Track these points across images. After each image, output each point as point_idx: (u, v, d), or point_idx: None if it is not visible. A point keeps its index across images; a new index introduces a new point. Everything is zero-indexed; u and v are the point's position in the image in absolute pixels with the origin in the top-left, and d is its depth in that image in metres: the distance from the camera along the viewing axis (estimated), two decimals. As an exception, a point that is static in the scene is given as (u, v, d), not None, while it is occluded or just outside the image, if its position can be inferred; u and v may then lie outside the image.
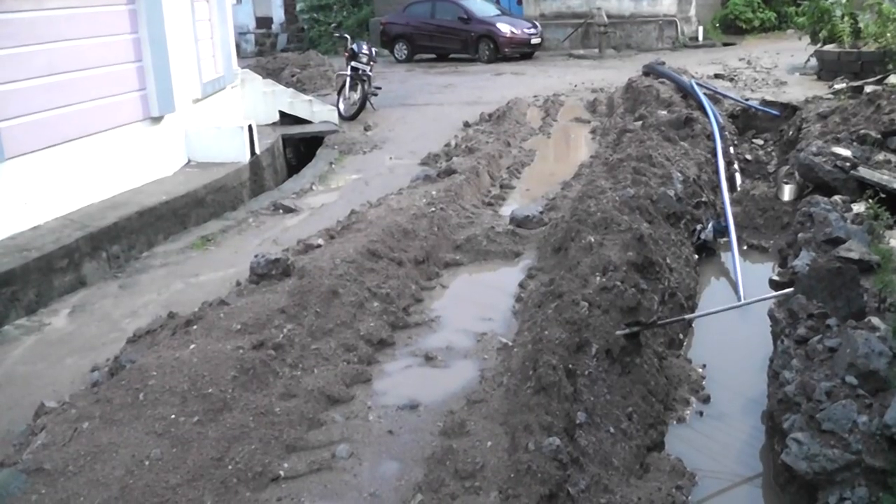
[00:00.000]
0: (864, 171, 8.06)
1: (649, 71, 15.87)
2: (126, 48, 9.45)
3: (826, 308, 5.13)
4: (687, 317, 6.24)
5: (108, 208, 8.50)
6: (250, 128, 11.35)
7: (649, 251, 6.46)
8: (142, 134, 9.72)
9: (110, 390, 4.57)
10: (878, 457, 3.88)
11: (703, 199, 8.94)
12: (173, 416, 4.32)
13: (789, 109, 12.63)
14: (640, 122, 11.70)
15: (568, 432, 4.22)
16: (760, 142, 12.38)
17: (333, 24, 30.95)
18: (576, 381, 4.66)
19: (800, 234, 7.03)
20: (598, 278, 5.82)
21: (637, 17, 26.09)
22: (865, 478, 3.87)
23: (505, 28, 24.72)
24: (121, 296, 7.25)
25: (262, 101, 14.64)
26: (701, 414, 5.44)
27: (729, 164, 10.31)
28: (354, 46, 15.78)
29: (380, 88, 16.48)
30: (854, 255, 5.93)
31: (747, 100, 13.55)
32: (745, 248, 8.37)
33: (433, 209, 8.02)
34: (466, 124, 14.41)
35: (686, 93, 13.41)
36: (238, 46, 17.98)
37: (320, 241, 7.06)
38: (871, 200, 7.27)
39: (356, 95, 15.58)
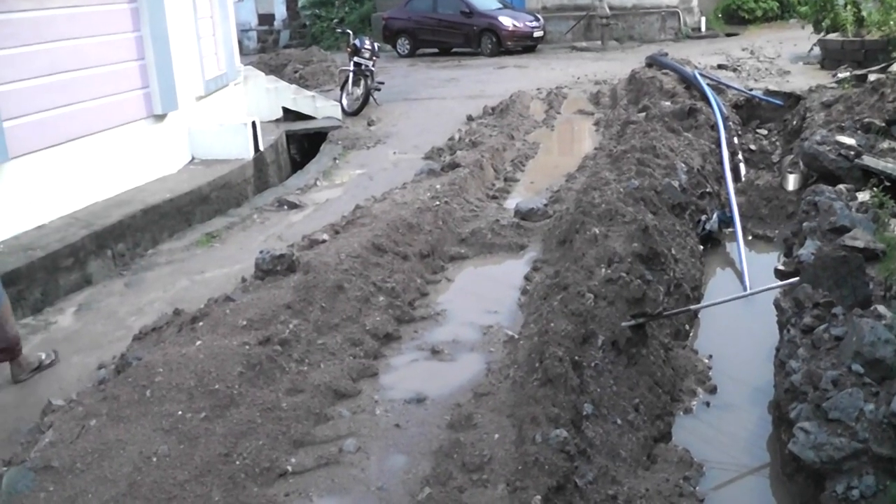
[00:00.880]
0: (868, 160, 8.03)
1: (652, 62, 15.84)
2: (128, 46, 9.45)
3: (832, 297, 5.12)
4: (693, 307, 6.24)
5: (112, 206, 8.51)
6: (254, 124, 11.35)
7: (654, 242, 6.45)
8: (145, 132, 9.73)
9: (117, 388, 4.58)
10: (885, 445, 3.88)
11: (708, 190, 8.93)
12: (180, 413, 4.33)
13: (793, 99, 12.60)
14: (643, 114, 11.67)
15: (575, 424, 4.22)
16: (764, 132, 12.35)
17: (335, 20, 30.92)
18: (582, 373, 4.67)
19: (805, 224, 7.02)
20: (603, 270, 5.82)
21: (639, 9, 26.02)
22: (873, 466, 3.86)
23: (507, 21, 24.67)
24: (126, 294, 7.27)
25: (265, 97, 14.64)
26: (707, 404, 5.44)
27: (733, 154, 10.29)
28: (357, 42, 15.77)
29: (382, 83, 16.47)
30: (859, 244, 5.92)
31: (751, 90, 13.52)
32: (750, 238, 8.37)
33: (438, 203, 8.01)
34: (470, 118, 14.39)
35: (689, 83, 13.38)
36: (240, 43, 17.95)
37: (325, 237, 7.06)
38: (875, 189, 7.26)
39: (359, 91, 15.57)
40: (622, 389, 4.96)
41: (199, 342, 4.98)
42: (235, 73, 13.32)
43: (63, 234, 7.64)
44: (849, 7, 16.20)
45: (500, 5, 25.95)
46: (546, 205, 8.35)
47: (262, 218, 9.39)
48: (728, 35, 24.92)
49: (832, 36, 16.44)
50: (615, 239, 6.37)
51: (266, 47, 30.66)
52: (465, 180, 9.19)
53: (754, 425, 5.27)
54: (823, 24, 16.95)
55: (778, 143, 11.60)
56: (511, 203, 8.96)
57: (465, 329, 5.78)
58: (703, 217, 8.28)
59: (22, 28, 7.81)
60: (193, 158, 10.88)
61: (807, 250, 6.24)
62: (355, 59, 15.55)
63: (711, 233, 8.18)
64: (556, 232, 7.33)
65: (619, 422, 4.70)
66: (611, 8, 25.09)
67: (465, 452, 4.02)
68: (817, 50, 16.69)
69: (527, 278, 6.66)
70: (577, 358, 4.68)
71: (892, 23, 14.75)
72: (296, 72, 19.00)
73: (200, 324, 5.33)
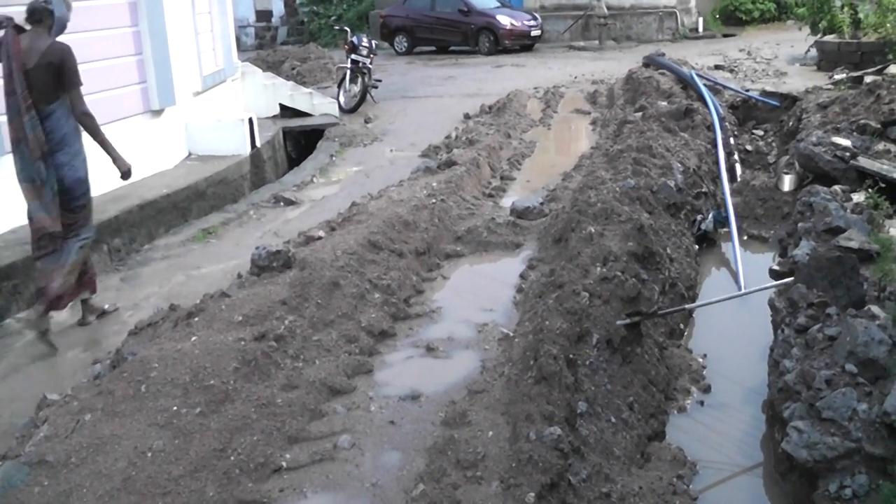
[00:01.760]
0: (863, 161, 8.06)
1: (649, 62, 15.85)
2: (126, 41, 9.44)
3: (826, 297, 5.14)
4: (687, 307, 6.26)
5: (108, 201, 8.49)
6: (251, 120, 11.35)
7: (650, 241, 6.47)
8: (142, 127, 9.72)
9: (112, 382, 4.58)
10: (877, 444, 3.90)
11: (704, 190, 8.95)
12: (175, 408, 4.33)
13: (789, 100, 12.63)
14: (640, 114, 11.69)
15: (569, 422, 4.23)
16: (761, 132, 12.38)
17: (333, 17, 30.88)
18: (576, 371, 4.68)
19: (800, 224, 7.04)
20: (598, 269, 5.83)
21: (637, 9, 26.04)
22: (865, 465, 3.88)
23: (505, 20, 24.67)
24: (122, 288, 7.27)
25: (262, 93, 14.63)
26: (701, 403, 5.46)
27: (729, 154, 10.31)
28: (354, 39, 15.76)
29: (380, 81, 16.46)
30: (854, 245, 5.94)
31: (747, 90, 13.54)
32: (745, 238, 8.39)
33: (434, 201, 8.02)
34: (467, 116, 14.38)
35: (686, 84, 13.41)
36: (238, 39, 17.93)
37: (321, 233, 7.06)
38: (870, 190, 7.29)
39: (356, 88, 15.56)
40: (616, 388, 4.98)
41: (194, 338, 4.98)
42: (233, 69, 13.32)
43: (59, 228, 7.62)
44: (845, 9, 16.23)
45: (498, 4, 25.95)
46: (542, 203, 8.37)
47: (258, 214, 9.39)
48: (725, 36, 24.96)
49: (829, 38, 16.47)
50: (611, 238, 6.39)
51: (264, 44, 30.61)
52: (462, 178, 9.20)
53: (748, 424, 5.30)
54: (820, 25, 16.99)
55: (774, 144, 11.63)
56: (507, 201, 8.97)
57: (460, 326, 5.79)
58: (699, 217, 8.30)
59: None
60: (190, 154, 10.87)
61: (802, 251, 6.25)
62: (353, 56, 15.54)
63: (707, 232, 8.20)
64: (552, 230, 7.34)
65: (613, 420, 4.72)
66: (608, 8, 25.11)
67: (460, 449, 4.03)
68: (814, 51, 16.72)
69: (522, 276, 6.67)
70: (571, 356, 4.69)
71: (888, 25, 14.78)
72: (293, 68, 18.98)
73: (196, 319, 5.33)
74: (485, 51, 24.60)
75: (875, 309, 4.84)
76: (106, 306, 6.69)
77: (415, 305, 6.17)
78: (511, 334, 5.50)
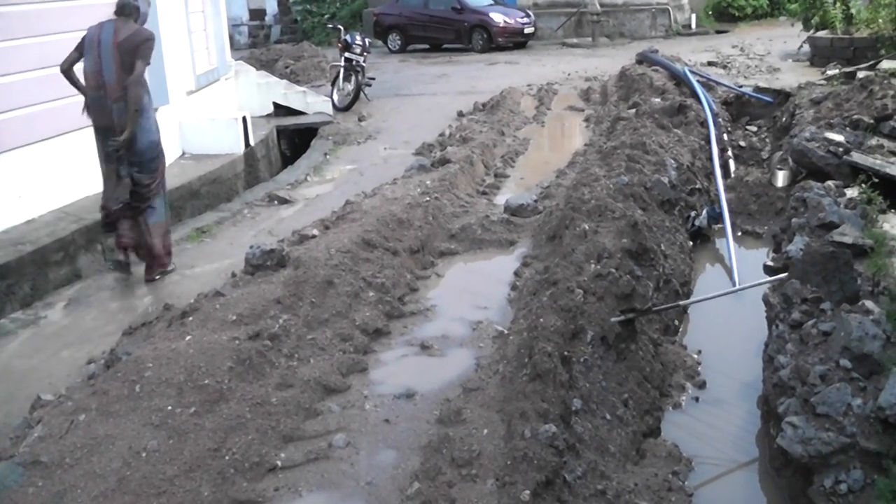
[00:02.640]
0: (857, 156, 8.07)
1: (642, 59, 15.84)
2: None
3: (820, 292, 5.14)
4: (682, 303, 6.26)
5: (102, 201, 8.49)
6: (244, 119, 11.34)
7: (644, 238, 6.47)
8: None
9: (106, 382, 4.57)
10: (872, 439, 3.90)
11: (698, 186, 8.96)
12: (170, 408, 4.32)
13: (782, 96, 12.63)
14: (633, 110, 11.68)
15: (564, 419, 4.23)
16: (754, 128, 12.38)
17: (327, 16, 30.87)
18: (571, 369, 4.68)
19: (793, 220, 7.05)
20: (592, 265, 5.83)
21: (630, 6, 26.05)
22: (860, 460, 3.88)
23: (498, 17, 24.67)
24: (116, 288, 7.25)
25: (256, 92, 14.61)
26: (697, 400, 5.46)
27: (723, 150, 10.32)
28: (348, 37, 15.75)
29: (373, 79, 16.45)
30: (847, 240, 5.94)
31: (741, 87, 13.56)
32: (739, 234, 8.39)
33: (428, 199, 8.01)
34: (460, 114, 14.39)
35: (679, 80, 13.40)
36: (231, 38, 17.93)
37: (315, 232, 7.06)
38: (864, 185, 7.29)
39: (350, 86, 15.56)
40: (611, 385, 4.98)
41: (188, 337, 4.97)
42: (226, 67, 13.30)
43: (53, 228, 7.63)
44: (838, 5, 16.26)
45: (492, 2, 25.97)
46: (536, 201, 8.36)
47: (252, 213, 9.37)
48: (718, 32, 24.98)
49: (821, 33, 16.50)
50: (605, 235, 6.39)
51: (257, 42, 30.58)
52: (456, 176, 9.20)
53: (743, 420, 5.30)
54: (813, 21, 17.01)
55: (767, 140, 11.64)
56: (501, 199, 8.96)
57: (454, 324, 5.79)
58: (693, 213, 8.30)
59: (12, 22, 7.79)
60: (184, 153, 10.86)
61: (795, 246, 6.26)
62: (346, 54, 15.54)
63: (701, 229, 8.20)
64: (546, 228, 7.34)
65: (608, 417, 4.71)
66: (601, 5, 25.12)
67: (455, 447, 4.03)
68: (807, 47, 16.75)
69: (516, 274, 6.67)
70: (566, 353, 4.69)
71: (880, 20, 14.81)
72: (287, 67, 18.97)
73: (190, 319, 5.32)
74: (478, 48, 24.60)
75: (869, 304, 4.85)
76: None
77: (409, 303, 6.16)
78: (505, 332, 5.50)
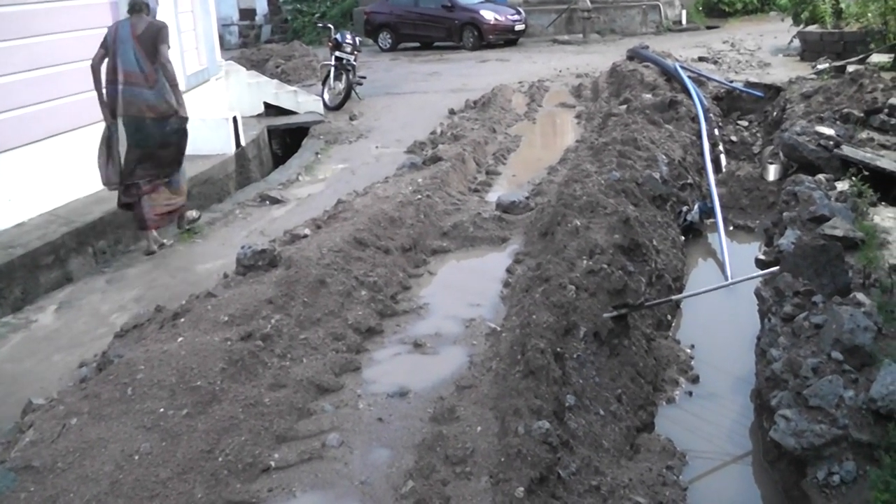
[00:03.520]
0: (847, 150, 8.09)
1: (633, 55, 15.86)
2: (107, 42, 9.39)
3: (812, 285, 5.15)
4: (674, 298, 6.27)
5: (93, 203, 8.47)
6: (235, 119, 11.31)
7: (635, 233, 6.48)
8: (125, 128, 9.66)
9: (98, 386, 4.55)
10: (864, 431, 3.91)
11: (689, 181, 8.97)
12: (162, 410, 4.31)
13: (773, 90, 12.66)
14: (624, 106, 11.70)
15: (557, 415, 4.23)
16: (745, 123, 12.41)
17: (317, 15, 30.84)
18: (564, 365, 4.68)
19: (785, 213, 7.06)
20: (584, 261, 5.83)
21: (620, 2, 26.08)
22: (852, 452, 3.90)
23: (489, 15, 24.67)
24: (108, 290, 7.23)
25: (246, 92, 14.57)
26: (690, 394, 5.47)
27: (714, 145, 10.33)
28: (338, 36, 15.72)
29: (364, 78, 16.43)
30: (838, 233, 5.96)
31: (731, 82, 13.57)
32: (731, 228, 8.41)
33: (419, 197, 8.01)
34: (452, 112, 14.38)
35: (670, 76, 13.42)
36: (221, 38, 17.90)
37: (307, 231, 7.04)
38: (854, 178, 7.31)
39: (341, 85, 15.54)
40: (604, 380, 4.98)
41: (180, 339, 4.96)
42: (217, 67, 13.27)
43: (43, 231, 7.60)
44: (827, 0, 16.29)
45: (482, -1, 25.98)
46: (528, 197, 8.36)
47: (244, 213, 9.35)
48: (709, 28, 25.04)
49: (811, 28, 16.54)
50: (596, 231, 6.39)
51: (248, 42, 30.52)
52: (447, 174, 9.19)
53: (736, 414, 5.31)
54: (802, 16, 17.07)
55: (758, 134, 11.66)
56: (493, 196, 8.95)
57: (447, 322, 5.78)
58: (685, 208, 8.31)
59: (1, 23, 7.75)
60: (174, 154, 10.81)
61: (787, 240, 6.27)
62: (337, 53, 15.51)
63: (693, 224, 8.22)
64: (538, 224, 7.34)
65: (601, 412, 4.72)
66: (592, 1, 25.12)
67: (448, 445, 4.03)
68: (797, 42, 16.79)
69: (509, 271, 6.66)
70: (559, 349, 4.69)
71: (869, 15, 14.84)
72: (277, 67, 18.93)
73: (182, 320, 5.31)
74: (469, 46, 24.60)
75: (860, 296, 4.87)
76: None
77: (402, 302, 6.15)
78: (498, 329, 5.49)
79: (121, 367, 4.68)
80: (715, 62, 16.79)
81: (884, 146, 8.34)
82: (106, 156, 7.79)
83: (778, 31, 19.33)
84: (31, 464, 3.91)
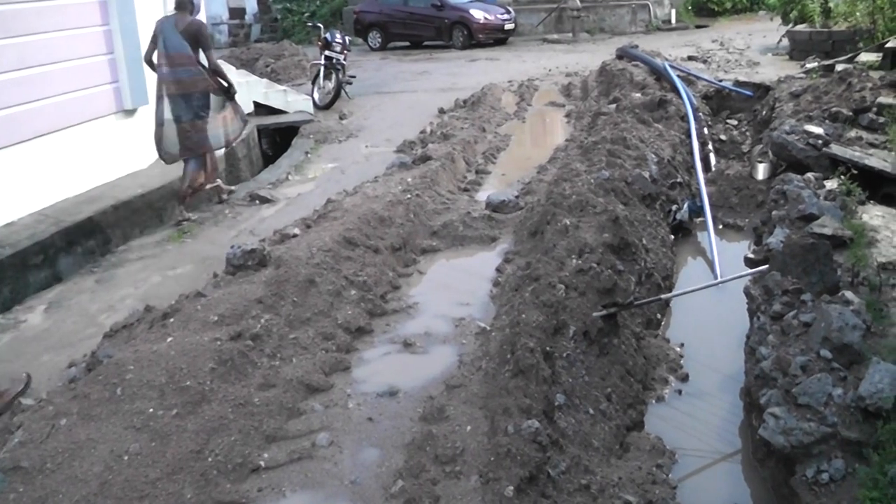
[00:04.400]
0: (836, 149, 8.12)
1: (623, 54, 15.88)
2: (97, 40, 9.36)
3: (800, 284, 5.17)
4: (664, 296, 6.27)
5: (82, 203, 8.44)
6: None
7: (625, 232, 6.49)
8: (115, 127, 9.65)
9: (88, 386, 4.54)
10: (853, 429, 3.92)
11: (678, 180, 8.98)
12: (151, 410, 4.30)
13: (762, 89, 12.70)
14: (614, 105, 11.71)
15: (547, 414, 4.24)
16: (734, 122, 12.43)
17: (307, 14, 30.79)
18: (554, 364, 4.68)
19: (774, 212, 7.08)
20: (574, 261, 5.83)
21: (610, 1, 26.12)
22: (841, 450, 3.91)
23: (478, 14, 24.68)
24: (97, 290, 7.21)
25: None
26: (680, 392, 5.48)
27: (703, 144, 10.35)
28: (328, 35, 15.70)
29: (354, 77, 16.42)
30: (827, 231, 5.98)
31: (721, 81, 13.59)
32: (720, 227, 8.43)
33: (409, 196, 8.01)
34: (441, 111, 14.38)
35: (660, 75, 13.44)
36: (211, 37, 17.82)
37: (297, 231, 7.04)
38: (843, 177, 7.33)
39: (331, 84, 15.52)
40: (594, 379, 4.99)
41: (170, 339, 4.95)
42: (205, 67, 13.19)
43: (32, 231, 7.57)
44: (816, -1, 16.38)
45: (471, -2, 25.97)
46: (517, 197, 8.37)
47: (233, 213, 9.33)
48: (698, 27, 25.09)
49: (800, 27, 16.59)
50: (586, 230, 6.40)
51: (237, 41, 30.45)
52: (437, 173, 9.19)
53: (726, 412, 5.32)
54: (791, 15, 17.12)
55: (748, 133, 11.69)
56: (483, 195, 8.96)
57: (437, 321, 5.78)
58: (674, 207, 8.33)
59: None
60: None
61: (776, 238, 6.29)
62: (326, 52, 15.49)
63: (682, 222, 8.23)
64: (528, 223, 7.34)
65: (591, 411, 4.72)
66: (581, 0, 25.15)
67: (438, 445, 4.03)
68: (786, 41, 16.83)
69: (498, 270, 6.67)
70: (548, 349, 4.70)
71: (858, 14, 14.91)
72: (267, 66, 18.91)
73: (171, 320, 5.30)
74: (459, 45, 24.61)
75: (849, 294, 4.88)
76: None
77: (391, 301, 6.15)
78: (488, 328, 5.50)
79: (110, 368, 4.66)
80: (704, 61, 16.82)
81: (872, 145, 8.37)
82: (160, 134, 8.83)
83: (767, 31, 19.39)
84: (20, 464, 3.90)
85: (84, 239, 7.89)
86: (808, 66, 13.85)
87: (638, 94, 12.04)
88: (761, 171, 9.10)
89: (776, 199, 7.39)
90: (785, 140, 8.50)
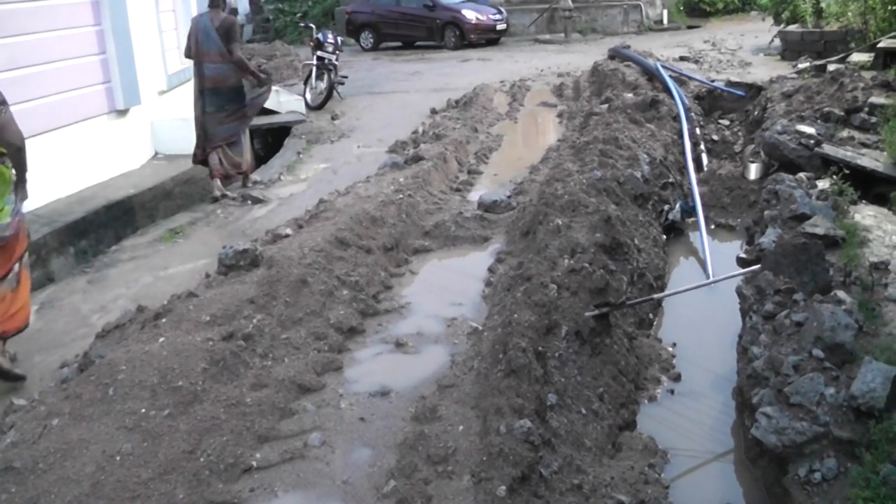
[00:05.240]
0: (828, 148, 8.14)
1: (615, 54, 15.89)
2: (89, 40, 9.35)
3: (793, 283, 5.18)
4: (656, 296, 6.28)
5: (74, 203, 8.43)
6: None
7: (617, 232, 6.49)
8: (107, 127, 9.63)
9: (80, 386, 4.53)
10: (845, 428, 3.93)
11: (671, 180, 8.99)
12: (144, 411, 4.29)
13: (754, 90, 12.72)
14: (606, 106, 11.72)
15: (539, 414, 4.23)
16: (726, 122, 12.46)
17: (298, 14, 30.73)
18: (546, 364, 4.68)
19: (766, 212, 7.09)
20: (566, 260, 5.83)
21: (602, 2, 26.15)
22: (834, 449, 3.91)
23: (470, 14, 24.69)
24: (89, 291, 7.19)
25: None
26: (672, 392, 5.48)
27: (695, 144, 10.37)
28: (320, 36, 15.69)
29: (346, 77, 16.41)
30: (819, 231, 5.99)
31: (713, 81, 13.62)
32: (712, 226, 8.43)
33: (401, 196, 8.00)
34: (433, 111, 14.38)
35: (652, 75, 13.45)
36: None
37: (289, 231, 7.03)
38: (835, 177, 7.35)
39: (323, 85, 15.50)
40: (586, 379, 4.98)
41: (162, 339, 4.93)
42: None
43: (23, 231, 7.53)
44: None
45: (464, -2, 25.98)
46: (509, 197, 8.37)
47: (225, 213, 9.32)
48: (690, 27, 25.14)
49: (792, 27, 16.64)
50: (578, 230, 6.40)
51: (229, 42, 30.35)
52: (429, 173, 9.19)
53: (718, 411, 5.32)
54: (783, 15, 17.17)
55: (740, 133, 11.72)
56: (475, 195, 8.96)
57: (429, 321, 5.78)
58: (666, 207, 8.33)
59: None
60: (157, 153, 10.79)
61: (768, 238, 6.30)
62: (318, 53, 15.48)
63: (674, 222, 8.24)
64: (520, 223, 7.35)
65: (583, 411, 4.72)
66: (573, 1, 25.17)
67: (430, 444, 4.03)
68: (778, 41, 16.87)
69: (490, 270, 6.67)
70: (540, 349, 4.69)
71: (849, 14, 14.96)
72: (259, 66, 18.82)
73: (163, 320, 5.28)
74: (451, 45, 24.61)
75: (841, 294, 4.90)
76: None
77: (383, 301, 6.15)
78: (480, 328, 5.50)
79: (102, 368, 4.65)
80: (696, 61, 16.85)
81: (864, 145, 8.39)
82: (203, 123, 9.54)
83: (759, 31, 19.44)
84: (12, 465, 3.89)
85: (76, 239, 7.87)
86: (800, 66, 13.90)
87: (630, 95, 12.06)
88: (753, 171, 9.12)
89: (768, 198, 7.41)
90: (777, 140, 8.52)
